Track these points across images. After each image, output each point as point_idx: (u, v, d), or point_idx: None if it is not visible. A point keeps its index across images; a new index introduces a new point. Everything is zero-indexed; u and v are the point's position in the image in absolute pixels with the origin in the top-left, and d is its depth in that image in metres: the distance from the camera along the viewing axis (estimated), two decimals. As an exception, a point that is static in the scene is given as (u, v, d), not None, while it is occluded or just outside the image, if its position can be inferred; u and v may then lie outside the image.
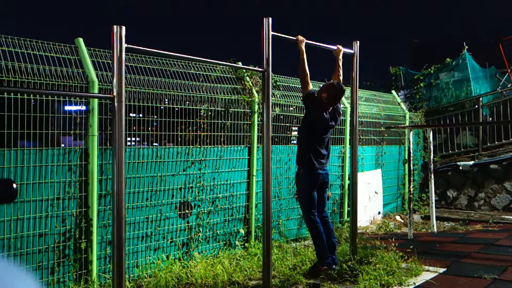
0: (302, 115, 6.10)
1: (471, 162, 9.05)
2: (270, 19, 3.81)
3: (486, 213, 8.50)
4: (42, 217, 3.86)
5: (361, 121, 7.46)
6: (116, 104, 2.71)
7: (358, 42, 4.87)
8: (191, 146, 4.92)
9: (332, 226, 4.52)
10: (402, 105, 9.04)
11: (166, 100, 4.76)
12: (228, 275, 4.29)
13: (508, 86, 10.85)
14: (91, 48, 4.34)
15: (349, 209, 6.43)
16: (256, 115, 5.50)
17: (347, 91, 5.45)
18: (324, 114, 4.31)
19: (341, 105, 4.66)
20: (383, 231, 6.99)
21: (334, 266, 4.31)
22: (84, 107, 4.16)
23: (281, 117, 5.94)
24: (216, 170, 5.18)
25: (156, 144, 4.82)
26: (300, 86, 4.71)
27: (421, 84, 10.61)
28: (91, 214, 4.09)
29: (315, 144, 4.35)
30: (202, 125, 5.04)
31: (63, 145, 4.10)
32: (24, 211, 3.76)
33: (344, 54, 4.76)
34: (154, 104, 4.62)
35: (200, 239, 5.00)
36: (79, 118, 4.08)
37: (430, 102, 10.55)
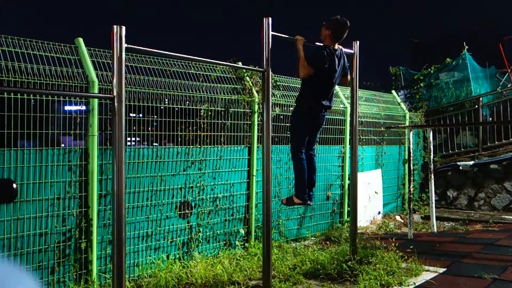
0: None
1: (471, 162, 9.05)
2: (270, 19, 3.81)
3: (486, 213, 8.50)
4: (42, 217, 3.86)
5: (361, 121, 7.46)
6: (116, 104, 2.71)
7: (358, 42, 4.86)
8: (191, 146, 4.92)
9: (316, 164, 4.56)
10: (402, 105, 9.04)
11: (166, 100, 4.76)
12: (228, 275, 4.29)
13: (508, 86, 10.85)
14: (91, 48, 4.35)
15: (349, 209, 6.43)
16: (256, 115, 5.51)
17: (347, 91, 5.46)
18: (328, 50, 4.19)
19: (346, 60, 4.52)
20: (383, 231, 6.99)
21: (308, 202, 4.44)
22: (84, 107, 4.17)
23: (281, 117, 5.93)
24: (216, 170, 5.18)
25: (156, 144, 4.82)
26: (299, 85, 4.68)
27: (421, 84, 10.61)
28: (91, 214, 4.09)
29: (317, 85, 4.24)
30: (202, 125, 5.04)
31: (63, 145, 4.10)
32: (24, 211, 3.76)
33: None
34: (154, 104, 4.62)
35: (200, 239, 5.00)
36: (79, 118, 4.08)
37: (430, 102, 10.55)
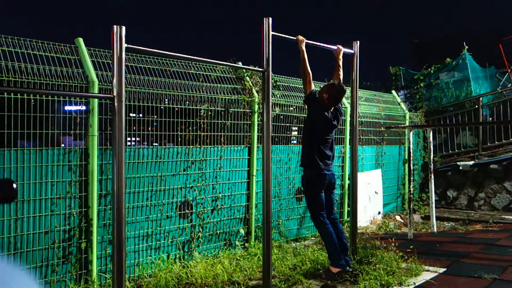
0: (303, 115, 6.11)
1: (471, 162, 9.05)
2: (270, 19, 3.81)
3: (486, 213, 8.49)
4: (42, 217, 3.86)
5: (361, 121, 7.46)
6: (116, 104, 2.71)
7: (358, 42, 4.87)
8: (191, 146, 4.92)
9: (342, 227, 4.50)
10: (402, 105, 9.04)
11: (166, 100, 4.76)
12: (228, 275, 4.29)
13: (508, 86, 10.84)
14: (91, 48, 4.34)
15: (349, 209, 6.43)
16: (256, 115, 5.50)
17: (347, 91, 5.45)
18: (326, 113, 4.31)
19: (342, 105, 4.67)
20: (383, 231, 6.99)
21: (347, 268, 4.28)
22: (84, 107, 4.16)
23: (281, 117, 5.93)
24: (216, 170, 5.18)
25: (156, 144, 4.82)
26: (302, 87, 4.71)
27: (421, 84, 10.61)
28: (91, 214, 4.09)
29: (319, 145, 4.34)
30: (202, 125, 5.04)
31: (63, 145, 4.10)
32: (24, 211, 3.76)
33: (344, 54, 4.76)
34: (154, 104, 4.62)
35: (200, 239, 5.00)
36: (79, 118, 4.08)
37: (430, 102, 10.55)
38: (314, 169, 4.33)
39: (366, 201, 7.38)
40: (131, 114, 4.45)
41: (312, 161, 4.35)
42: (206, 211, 5.07)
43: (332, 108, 4.40)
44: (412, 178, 6.78)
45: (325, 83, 4.73)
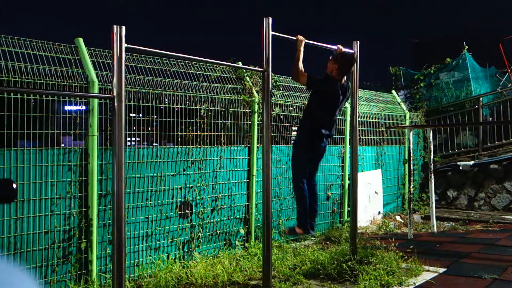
0: (303, 115, 6.10)
1: (471, 162, 9.05)
2: (270, 19, 3.80)
3: (486, 213, 8.49)
4: (42, 217, 3.86)
5: (361, 121, 7.46)
6: (116, 104, 2.71)
7: (358, 42, 4.86)
8: (191, 146, 4.92)
9: (317, 194, 4.53)
10: (402, 105, 9.04)
11: (166, 100, 4.76)
12: (228, 275, 4.29)
13: (508, 86, 10.84)
14: (91, 48, 4.34)
15: (349, 209, 6.43)
16: (256, 115, 5.50)
17: (349, 84, 5.43)
18: (335, 83, 4.19)
19: (349, 84, 4.51)
20: (383, 231, 6.99)
21: (311, 232, 4.41)
22: (84, 107, 4.16)
23: (281, 117, 5.93)
24: (216, 170, 5.18)
25: (156, 144, 4.82)
26: (302, 87, 4.68)
27: (421, 84, 10.61)
28: (91, 214, 4.09)
29: (320, 116, 4.24)
30: (202, 125, 5.04)
31: (63, 145, 4.10)
32: (24, 211, 3.76)
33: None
34: (154, 104, 4.62)
35: (200, 239, 5.00)
36: (79, 118, 4.08)
37: (430, 102, 10.55)
38: (308, 134, 4.25)
39: (366, 201, 7.38)
40: (131, 114, 4.45)
41: (307, 128, 4.26)
42: (206, 211, 5.07)
43: (342, 80, 4.28)
44: (412, 178, 6.78)
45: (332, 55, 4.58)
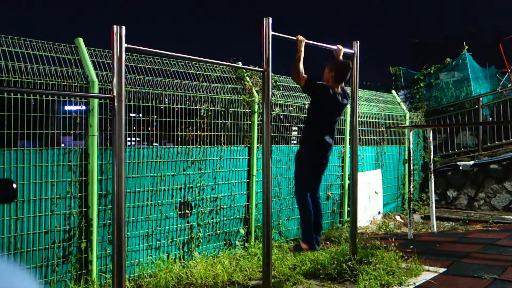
0: (303, 115, 6.11)
1: (471, 162, 9.05)
2: (270, 19, 3.81)
3: (486, 213, 8.50)
4: (42, 217, 3.86)
5: (361, 121, 7.46)
6: (116, 104, 2.71)
7: (358, 42, 4.86)
8: (191, 146, 4.92)
9: (321, 208, 4.48)
10: (402, 105, 9.04)
11: (166, 100, 4.76)
12: (228, 275, 4.29)
13: (508, 86, 10.85)
14: (91, 48, 4.34)
15: (349, 209, 6.43)
16: (256, 115, 5.50)
17: (347, 90, 5.44)
18: (331, 91, 4.18)
19: (347, 89, 4.52)
20: (383, 231, 6.99)
21: (316, 247, 4.33)
22: (84, 107, 4.17)
23: (281, 117, 5.93)
24: (216, 170, 5.18)
25: (156, 144, 4.82)
26: (297, 85, 4.65)
27: (421, 84, 10.61)
28: (91, 214, 4.09)
29: (321, 125, 4.23)
30: (202, 125, 5.04)
31: (63, 145, 4.10)
32: (24, 211, 3.76)
33: (344, 54, 4.76)
34: (154, 104, 4.62)
35: (200, 239, 5.00)
36: (79, 118, 4.08)
37: (430, 102, 10.55)
38: (311, 146, 4.24)
39: (366, 201, 7.39)
40: (131, 114, 4.45)
41: (309, 139, 4.25)
42: (206, 211, 5.07)
43: (338, 88, 4.29)
44: (412, 178, 6.78)
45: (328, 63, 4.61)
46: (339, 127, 6.87)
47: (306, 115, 4.90)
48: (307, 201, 4.27)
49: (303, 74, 4.21)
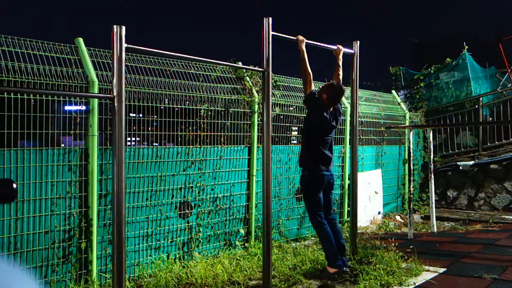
0: (303, 115, 6.11)
1: (471, 162, 9.05)
2: (270, 19, 3.81)
3: (486, 213, 8.49)
4: (42, 217, 3.86)
5: (361, 121, 7.46)
6: (116, 104, 2.71)
7: (358, 42, 4.87)
8: (191, 146, 4.92)
9: (339, 228, 4.51)
10: (402, 105, 9.04)
11: (166, 100, 4.76)
12: (228, 275, 4.29)
13: (508, 86, 10.84)
14: (91, 48, 4.34)
15: (349, 209, 6.43)
16: (256, 115, 5.50)
17: (347, 91, 5.45)
18: (325, 114, 4.31)
19: (341, 105, 4.68)
20: (383, 231, 6.99)
21: (344, 268, 4.28)
22: (84, 107, 4.16)
23: (281, 117, 5.94)
24: (216, 170, 5.18)
25: (156, 144, 4.82)
26: (302, 86, 4.70)
27: (421, 84, 10.61)
28: (91, 214, 4.09)
29: (318, 145, 4.35)
30: (202, 125, 5.04)
31: (63, 145, 4.10)
32: (24, 211, 3.76)
33: (344, 54, 4.76)
34: (154, 104, 4.62)
35: (200, 239, 5.00)
36: (79, 118, 4.08)
37: (430, 102, 10.55)
38: (313, 169, 4.34)
39: (366, 201, 7.39)
40: (131, 114, 4.45)
41: (310, 162, 4.36)
42: (206, 211, 5.07)
43: (332, 108, 4.41)
44: (412, 178, 6.78)
45: (325, 83, 4.73)
46: (339, 127, 6.87)
47: (301, 136, 5.01)
48: (323, 222, 4.31)
49: (312, 81, 4.31)
